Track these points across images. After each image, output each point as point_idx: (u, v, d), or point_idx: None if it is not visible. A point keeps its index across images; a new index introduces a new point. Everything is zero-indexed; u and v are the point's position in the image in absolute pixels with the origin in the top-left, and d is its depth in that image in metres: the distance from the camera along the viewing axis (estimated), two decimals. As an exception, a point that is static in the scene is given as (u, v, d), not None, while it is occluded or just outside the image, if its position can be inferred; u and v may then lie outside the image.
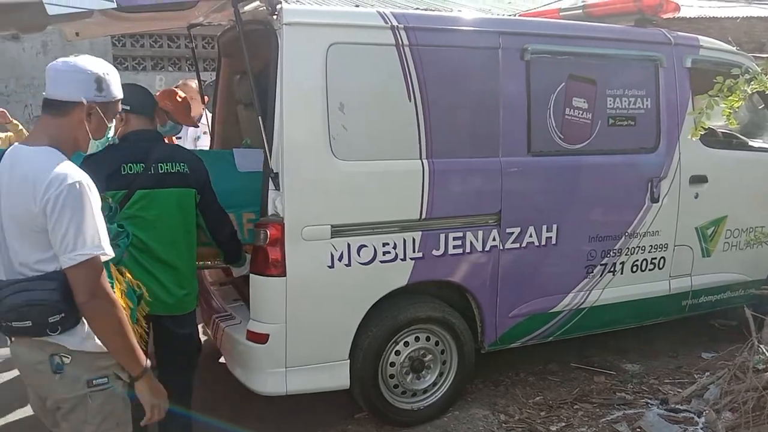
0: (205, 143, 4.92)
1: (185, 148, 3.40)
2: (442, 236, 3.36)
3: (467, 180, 3.46)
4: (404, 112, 3.25)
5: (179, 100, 3.61)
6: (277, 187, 3.04)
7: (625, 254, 3.93)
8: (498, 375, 4.13)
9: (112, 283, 1.99)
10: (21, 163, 1.91)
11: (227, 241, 3.14)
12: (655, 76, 3.91)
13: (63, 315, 1.86)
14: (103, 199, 2.19)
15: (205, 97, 5.03)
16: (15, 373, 4.31)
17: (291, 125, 3.02)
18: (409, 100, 3.24)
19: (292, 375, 3.17)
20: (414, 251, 3.31)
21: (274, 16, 3.00)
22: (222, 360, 3.59)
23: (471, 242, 3.44)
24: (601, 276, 3.89)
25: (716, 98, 3.12)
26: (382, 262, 3.24)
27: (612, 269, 3.92)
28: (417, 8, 8.58)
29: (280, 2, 2.99)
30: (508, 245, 3.55)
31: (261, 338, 3.12)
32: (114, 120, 2.12)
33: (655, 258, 4.06)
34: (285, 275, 3.05)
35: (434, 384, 3.60)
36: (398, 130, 3.27)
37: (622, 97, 3.80)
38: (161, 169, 2.81)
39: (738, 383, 3.46)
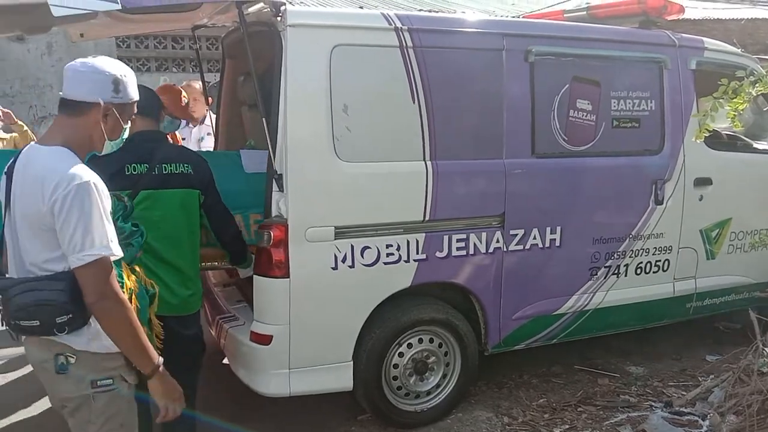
0: (209, 144, 4.93)
1: (189, 149, 3.40)
2: (446, 238, 3.36)
3: (471, 182, 3.46)
4: (408, 114, 3.25)
5: (173, 92, 3.63)
6: (280, 189, 3.04)
7: (629, 256, 3.92)
8: (501, 377, 4.12)
9: (122, 283, 2.00)
10: (34, 162, 1.93)
11: (232, 242, 3.14)
12: (659, 78, 3.90)
13: (71, 315, 1.88)
14: (118, 197, 2.21)
15: (209, 98, 5.05)
16: (18, 373, 4.33)
17: (295, 126, 3.03)
18: (412, 101, 3.24)
19: (296, 376, 3.17)
20: (417, 253, 3.31)
21: (278, 18, 3.00)
22: (225, 361, 3.59)
23: (474, 244, 3.44)
24: (605, 278, 3.88)
25: (721, 100, 3.11)
26: (385, 263, 3.24)
27: (616, 271, 3.91)
28: (420, 10, 8.58)
29: (284, 4, 2.99)
30: (512, 247, 3.54)
31: (264, 339, 3.12)
32: (129, 121, 2.14)
33: (660, 260, 4.05)
34: (288, 276, 3.06)
35: (437, 386, 3.59)
36: (402, 131, 3.27)
37: (626, 99, 3.80)
38: (165, 170, 2.81)
39: (743, 386, 3.45)
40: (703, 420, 3.49)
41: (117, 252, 1.90)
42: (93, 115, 1.99)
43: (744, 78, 3.14)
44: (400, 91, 3.22)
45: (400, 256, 3.27)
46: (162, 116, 3.13)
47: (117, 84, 2.01)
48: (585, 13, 4.23)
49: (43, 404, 3.84)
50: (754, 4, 11.04)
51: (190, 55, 9.81)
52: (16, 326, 1.93)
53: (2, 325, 1.98)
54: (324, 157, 3.09)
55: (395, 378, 3.46)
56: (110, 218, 1.93)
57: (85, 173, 1.87)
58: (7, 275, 2.01)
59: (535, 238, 3.60)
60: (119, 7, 2.55)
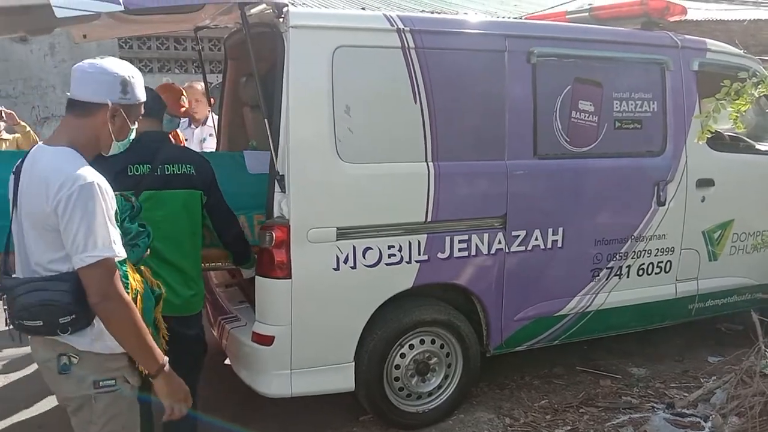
0: (211, 145, 4.93)
1: (192, 150, 3.41)
2: (448, 239, 3.36)
3: (473, 183, 3.46)
4: (410, 115, 3.25)
5: (172, 91, 3.63)
6: (282, 190, 3.04)
7: (632, 258, 3.92)
8: (503, 378, 4.12)
9: (127, 284, 2.01)
10: (40, 162, 1.94)
11: (234, 242, 3.14)
12: (661, 79, 3.90)
13: (74, 316, 1.88)
14: (126, 198, 2.22)
15: (212, 99, 5.05)
16: (20, 373, 4.34)
17: (297, 127, 3.03)
18: (414, 102, 3.24)
19: (297, 377, 3.17)
20: (419, 254, 3.31)
21: (281, 19, 3.00)
22: (227, 361, 3.60)
23: (476, 245, 3.44)
24: (607, 279, 3.88)
25: (723, 102, 3.10)
26: (387, 264, 3.25)
27: (618, 273, 3.90)
28: (422, 11, 8.58)
29: (287, 5, 2.99)
30: (514, 248, 3.54)
31: (266, 340, 3.12)
32: (136, 122, 2.14)
33: (662, 261, 4.04)
34: (290, 277, 3.06)
35: (439, 387, 3.59)
36: (404, 132, 3.27)
37: (628, 100, 3.80)
38: (167, 171, 2.82)
39: (745, 388, 3.44)
40: (705, 421, 3.48)
41: (120, 253, 1.90)
42: (101, 116, 2.00)
43: (746, 79, 3.14)
44: (402, 92, 3.22)
45: (401, 257, 3.27)
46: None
47: (125, 85, 2.02)
48: (587, 14, 4.23)
49: (45, 405, 3.85)
50: (758, 6, 11.02)
51: (193, 56, 9.82)
52: (20, 326, 1.94)
53: (6, 325, 1.99)
54: (326, 158, 3.09)
55: (397, 379, 3.46)
56: (114, 219, 1.93)
57: (89, 174, 1.88)
58: (14, 275, 2.02)
59: (537, 239, 3.60)
60: (122, 8, 2.56)
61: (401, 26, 3.20)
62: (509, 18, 7.57)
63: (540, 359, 4.27)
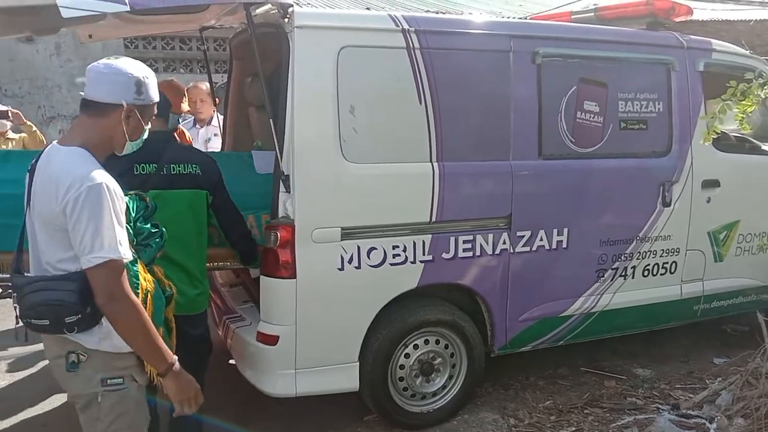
0: (216, 145, 4.94)
1: (198, 150, 3.42)
2: (452, 239, 3.36)
3: (477, 183, 3.46)
4: (415, 115, 3.25)
5: (174, 89, 3.64)
6: (287, 190, 3.04)
7: (637, 258, 3.91)
8: (508, 379, 4.11)
9: (137, 284, 2.02)
10: (52, 162, 1.96)
11: (240, 241, 3.15)
12: (667, 80, 3.89)
13: (79, 316, 1.89)
14: (141, 197, 2.23)
15: (217, 99, 5.06)
16: (25, 372, 4.36)
17: (302, 127, 3.03)
18: (419, 102, 3.24)
19: (302, 377, 3.17)
20: (424, 254, 3.30)
21: (286, 19, 3.01)
22: (232, 361, 3.60)
23: (481, 245, 3.44)
24: (612, 280, 3.87)
25: (729, 102, 3.10)
26: (391, 264, 3.25)
27: (623, 273, 3.90)
28: (427, 11, 8.58)
29: (292, 5, 3.00)
30: (519, 249, 3.54)
31: (271, 340, 3.13)
32: (149, 122, 2.15)
33: (667, 262, 4.03)
34: (295, 277, 3.06)
35: (444, 387, 3.59)
36: (409, 132, 3.27)
37: (633, 101, 3.79)
38: (173, 170, 2.83)
39: (750, 389, 3.43)
40: (711, 423, 3.47)
41: (126, 255, 1.91)
42: (115, 117, 2.01)
43: (753, 80, 3.13)
44: (407, 93, 3.22)
45: (406, 257, 3.27)
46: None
47: (139, 86, 2.03)
48: (592, 14, 4.21)
49: (50, 403, 3.87)
50: (764, 6, 10.98)
51: (198, 56, 9.86)
52: (28, 324, 1.96)
53: (17, 323, 2.01)
54: (331, 158, 3.09)
55: (401, 379, 3.46)
56: (122, 220, 1.94)
57: (97, 175, 1.89)
58: (27, 273, 2.04)
59: (541, 239, 3.59)
60: (128, 8, 2.56)
61: (406, 26, 3.20)
62: (514, 18, 7.56)
63: (545, 360, 4.26)
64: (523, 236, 3.54)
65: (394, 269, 3.25)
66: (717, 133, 3.41)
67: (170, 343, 2.29)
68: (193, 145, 4.77)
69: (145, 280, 2.09)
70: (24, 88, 9.29)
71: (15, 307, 1.99)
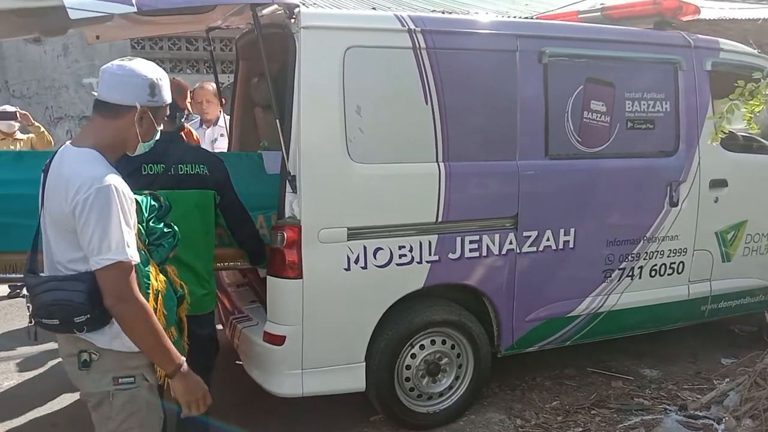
0: (222, 145, 4.95)
1: (205, 150, 3.43)
2: (459, 239, 3.36)
3: (484, 183, 3.45)
4: (421, 115, 3.25)
5: (178, 87, 3.65)
6: (294, 190, 3.05)
7: (644, 258, 3.90)
8: (514, 379, 4.11)
9: (149, 284, 2.03)
10: (64, 162, 1.97)
11: (247, 240, 3.16)
12: (674, 79, 3.87)
13: (88, 316, 1.91)
14: (155, 197, 2.24)
15: (223, 100, 5.07)
16: (34, 372, 4.38)
17: (308, 128, 3.04)
18: (425, 103, 3.24)
19: (309, 377, 3.18)
20: (430, 254, 3.30)
21: (292, 20, 3.01)
22: (239, 361, 3.61)
23: (487, 245, 3.43)
24: (619, 280, 3.86)
25: (737, 102, 3.08)
26: (398, 265, 3.25)
27: (630, 274, 3.88)
28: (433, 11, 8.57)
29: (298, 6, 3.00)
30: (525, 249, 3.53)
31: (278, 340, 3.13)
32: (162, 123, 2.16)
33: (674, 262, 4.02)
34: (302, 277, 3.07)
35: (450, 387, 3.59)
36: (415, 133, 3.27)
37: (640, 101, 3.78)
38: (181, 171, 2.84)
39: (758, 390, 3.41)
40: (719, 424, 3.45)
41: (133, 257, 1.91)
42: (128, 118, 2.02)
43: (761, 79, 3.12)
44: (413, 93, 3.22)
45: (412, 257, 3.27)
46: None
47: (153, 87, 2.04)
48: (599, 14, 4.20)
49: (59, 403, 3.89)
50: (772, 4, 10.90)
51: (204, 56, 9.88)
52: (39, 324, 1.98)
53: (30, 322, 2.03)
54: (337, 159, 3.09)
55: (408, 379, 3.46)
56: (131, 222, 1.95)
57: (107, 177, 1.90)
58: (42, 273, 2.06)
59: (548, 239, 3.59)
60: (135, 9, 2.58)
61: (412, 26, 3.20)
62: (520, 18, 7.54)
63: (551, 360, 4.25)
64: (530, 236, 3.53)
65: (400, 269, 3.25)
66: (725, 133, 3.39)
67: (182, 343, 2.30)
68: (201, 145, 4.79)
69: (157, 280, 2.10)
70: (32, 88, 9.34)
71: (28, 307, 2.01)
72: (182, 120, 3.85)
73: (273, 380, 3.22)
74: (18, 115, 5.61)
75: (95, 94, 2.05)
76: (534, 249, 3.56)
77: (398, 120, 3.25)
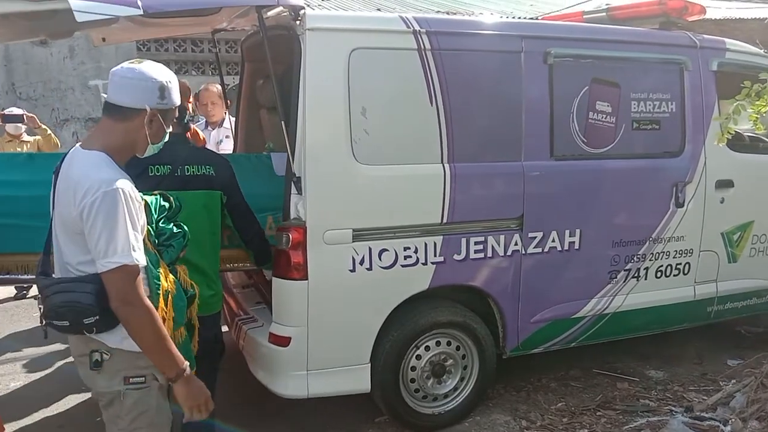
0: (228, 147, 4.96)
1: (211, 151, 3.44)
2: (464, 240, 3.36)
3: (489, 184, 3.45)
4: (426, 117, 3.25)
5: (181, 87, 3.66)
6: (299, 191, 3.06)
7: (650, 259, 3.89)
8: (519, 380, 4.10)
9: (158, 284, 2.04)
10: (73, 165, 1.99)
11: (254, 240, 3.16)
12: (680, 80, 3.86)
13: (97, 317, 1.92)
14: (165, 197, 2.25)
15: (228, 101, 5.08)
16: (41, 373, 4.40)
17: (313, 129, 3.04)
18: (430, 104, 3.24)
19: (314, 378, 3.18)
20: (435, 255, 3.30)
21: (297, 22, 3.02)
22: (244, 362, 3.62)
23: (493, 247, 3.43)
24: (624, 281, 3.85)
25: (743, 103, 3.07)
26: (403, 266, 3.25)
27: (636, 275, 3.87)
28: (438, 12, 8.57)
29: (303, 7, 3.01)
30: (531, 250, 3.53)
31: (283, 341, 3.14)
32: (171, 125, 2.17)
33: (680, 263, 4.01)
34: (307, 279, 3.07)
35: (455, 389, 3.58)
36: (420, 134, 3.27)
37: (646, 101, 3.77)
38: (188, 172, 2.85)
39: (765, 391, 3.40)
40: (725, 425, 3.44)
41: (139, 260, 1.92)
42: (138, 121, 2.03)
43: (767, 80, 3.10)
44: (418, 94, 3.22)
45: (417, 258, 3.27)
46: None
47: (163, 90, 2.05)
48: (604, 14, 4.19)
49: (65, 404, 3.90)
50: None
51: (210, 58, 9.91)
52: (50, 325, 2.00)
53: (41, 322, 2.05)
54: (342, 160, 3.10)
55: (413, 380, 3.46)
56: (138, 225, 1.96)
57: (114, 180, 1.91)
58: (53, 274, 2.07)
59: (553, 240, 3.58)
60: (141, 11, 2.58)
61: (417, 28, 3.20)
62: (525, 18, 7.54)
63: (557, 361, 4.24)
64: (535, 237, 3.53)
65: (405, 271, 3.25)
66: (731, 134, 3.38)
67: (192, 344, 2.31)
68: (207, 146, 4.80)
69: (167, 280, 2.11)
70: (38, 90, 9.38)
71: (40, 308, 2.04)
72: (188, 121, 3.87)
73: (278, 381, 3.23)
74: (25, 117, 5.64)
75: (104, 96, 2.06)
76: (539, 250, 3.55)
77: (403, 121, 3.25)
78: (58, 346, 4.62)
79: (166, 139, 2.18)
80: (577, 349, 3.99)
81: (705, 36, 4.05)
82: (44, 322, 2.01)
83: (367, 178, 3.15)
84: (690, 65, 3.88)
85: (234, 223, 3.06)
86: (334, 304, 3.17)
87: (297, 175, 3.05)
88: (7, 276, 3.10)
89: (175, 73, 2.18)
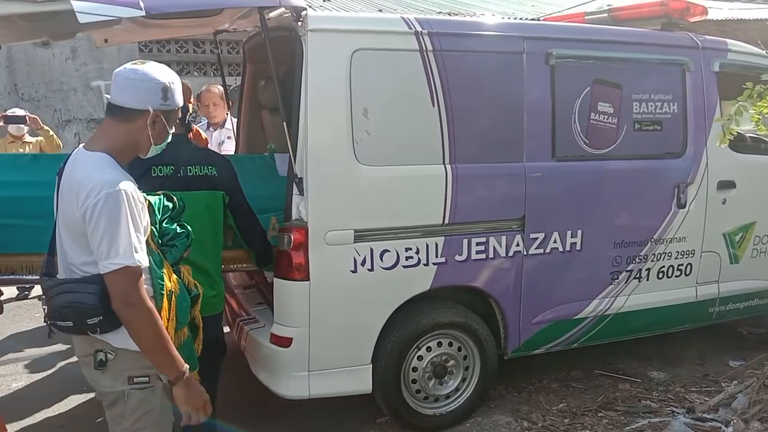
0: (229, 148, 4.97)
1: (213, 151, 3.44)
2: (465, 241, 3.36)
3: (491, 185, 3.45)
4: (428, 117, 3.25)
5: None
6: (301, 192, 3.06)
7: (651, 260, 3.89)
8: (521, 381, 4.10)
9: (162, 284, 2.05)
10: (76, 167, 1.99)
11: (256, 240, 3.16)
12: (681, 81, 3.86)
13: (101, 318, 1.93)
14: (168, 197, 2.26)
15: (230, 102, 5.09)
16: (43, 374, 4.40)
17: (315, 130, 3.04)
18: (432, 105, 3.24)
19: (315, 379, 3.18)
20: (437, 256, 3.30)
21: (299, 23, 3.03)
22: (245, 362, 3.62)
23: (494, 247, 3.43)
24: (626, 282, 3.85)
25: (745, 104, 3.07)
26: (404, 267, 3.25)
27: (637, 276, 3.87)
28: (440, 12, 8.58)
29: (305, 9, 3.01)
30: (532, 251, 3.53)
31: (284, 342, 3.14)
32: (174, 126, 2.18)
33: (682, 264, 4.00)
34: (308, 279, 3.08)
35: (457, 390, 3.59)
36: (421, 135, 3.27)
37: (648, 102, 3.77)
38: (190, 172, 2.85)
39: (767, 392, 3.40)
40: (727, 427, 3.44)
41: (141, 262, 1.93)
42: (141, 122, 2.04)
43: (769, 81, 3.11)
44: (420, 95, 3.23)
45: (419, 259, 3.27)
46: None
47: (165, 91, 2.05)
48: (606, 15, 4.19)
49: (67, 404, 3.91)
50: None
51: (211, 59, 9.92)
52: (54, 326, 2.01)
53: (46, 322, 2.05)
54: (344, 161, 3.10)
55: (414, 381, 3.46)
56: (141, 227, 1.96)
57: (117, 182, 1.91)
58: (57, 275, 2.08)
59: (555, 241, 3.58)
60: (143, 13, 2.59)
61: (419, 29, 3.20)
62: (527, 19, 7.54)
63: (558, 362, 4.24)
64: (537, 238, 3.53)
65: (407, 271, 3.26)
66: (733, 135, 3.38)
67: (196, 343, 2.32)
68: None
69: (171, 280, 2.12)
70: (40, 91, 9.39)
71: (44, 309, 2.04)
72: (191, 121, 3.87)
73: (280, 382, 3.23)
74: (27, 119, 5.65)
75: (107, 97, 2.06)
76: (541, 251, 3.55)
77: (405, 122, 3.25)
78: (59, 347, 4.63)
79: (169, 139, 2.18)
80: (579, 350, 3.98)
81: (707, 37, 4.05)
82: (48, 323, 2.02)
83: (369, 179, 3.16)
84: (692, 66, 3.88)
85: (236, 223, 3.06)
86: (336, 304, 3.17)
87: (299, 176, 3.05)
88: (12, 276, 3.11)
89: (177, 74, 2.19)
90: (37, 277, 2.57)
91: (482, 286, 3.47)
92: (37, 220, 2.67)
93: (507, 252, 3.46)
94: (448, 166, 3.28)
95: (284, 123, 3.04)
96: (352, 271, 3.15)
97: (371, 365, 3.29)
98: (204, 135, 4.82)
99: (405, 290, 3.29)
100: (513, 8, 9.88)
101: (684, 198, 3.89)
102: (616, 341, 4.10)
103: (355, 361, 3.27)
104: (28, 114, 5.79)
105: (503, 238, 3.44)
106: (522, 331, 3.62)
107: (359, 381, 3.28)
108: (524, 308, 3.58)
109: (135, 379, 2.04)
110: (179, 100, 2.13)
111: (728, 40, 4.17)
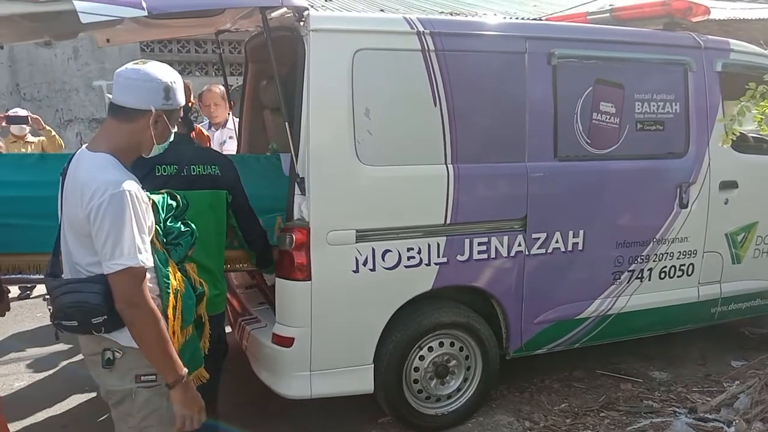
0: (231, 148, 4.97)
1: (216, 151, 3.44)
2: (467, 241, 3.36)
3: (492, 185, 3.45)
4: (430, 117, 3.25)
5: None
6: (302, 192, 3.06)
7: (653, 261, 3.88)
8: (523, 381, 4.10)
9: (168, 283, 2.05)
10: (80, 167, 1.99)
11: (256, 241, 3.17)
12: (684, 81, 3.86)
13: (105, 317, 1.93)
14: (172, 196, 2.26)
15: (232, 102, 5.09)
16: (45, 373, 4.41)
17: (317, 130, 3.05)
18: (434, 105, 3.24)
19: (317, 378, 3.18)
20: (439, 256, 3.30)
21: (301, 23, 3.03)
22: (247, 362, 3.62)
23: (496, 247, 3.43)
24: (628, 282, 3.84)
25: (747, 104, 3.07)
26: (406, 266, 3.25)
27: (639, 276, 3.87)
28: (442, 12, 8.58)
29: (307, 9, 3.01)
30: (534, 251, 3.52)
31: (286, 342, 3.14)
32: (176, 125, 2.18)
33: (684, 264, 4.00)
34: (310, 279, 3.08)
35: (458, 389, 3.58)
36: (423, 135, 3.27)
37: (650, 102, 3.76)
38: (194, 172, 2.85)
39: (769, 393, 3.40)
40: (729, 427, 3.44)
41: (146, 262, 1.93)
42: (143, 122, 2.03)
43: (771, 81, 3.10)
44: (421, 95, 3.23)
45: (421, 259, 3.27)
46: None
47: (167, 91, 2.05)
48: (608, 15, 4.19)
49: (68, 404, 3.91)
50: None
51: (213, 58, 9.93)
52: (59, 325, 2.01)
53: (52, 322, 2.05)
54: (346, 161, 3.10)
55: (416, 381, 3.46)
56: (145, 227, 1.96)
57: (121, 182, 1.91)
58: (63, 275, 2.08)
59: (557, 241, 3.58)
60: (145, 13, 2.59)
61: (421, 29, 3.20)
62: (529, 19, 7.54)
63: (560, 362, 4.24)
64: (539, 238, 3.53)
65: (408, 271, 3.26)
66: (735, 135, 3.37)
67: (201, 341, 2.34)
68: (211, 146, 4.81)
69: (176, 279, 2.12)
70: (42, 91, 9.41)
71: (49, 309, 2.05)
72: (193, 120, 3.88)
73: (281, 382, 3.23)
74: (29, 119, 5.66)
75: (109, 96, 2.06)
76: (543, 251, 3.55)
77: (407, 122, 3.25)
78: (61, 347, 4.64)
79: (171, 139, 2.19)
80: (581, 350, 3.98)
81: (709, 37, 4.05)
82: (54, 323, 2.02)
83: (371, 178, 3.16)
84: (694, 66, 3.88)
85: (238, 223, 3.07)
86: (338, 304, 3.17)
87: (300, 176, 3.05)
88: (19, 275, 3.12)
89: (179, 74, 2.19)
90: (43, 276, 2.58)
91: (484, 286, 3.47)
92: (44, 220, 2.67)
93: (509, 252, 3.46)
94: (450, 166, 3.28)
95: (286, 123, 3.04)
96: (354, 271, 3.15)
97: (373, 365, 3.29)
98: (206, 133, 4.82)
99: (407, 290, 3.29)
100: (515, 8, 9.89)
101: (686, 198, 3.88)
102: (618, 341, 4.10)
103: (356, 361, 3.27)
104: (31, 114, 5.80)
105: (505, 238, 3.44)
106: (524, 331, 3.62)
107: (361, 381, 3.28)
108: (526, 308, 3.58)
109: (142, 377, 2.04)
110: (181, 99, 2.13)
111: (731, 40, 4.17)
